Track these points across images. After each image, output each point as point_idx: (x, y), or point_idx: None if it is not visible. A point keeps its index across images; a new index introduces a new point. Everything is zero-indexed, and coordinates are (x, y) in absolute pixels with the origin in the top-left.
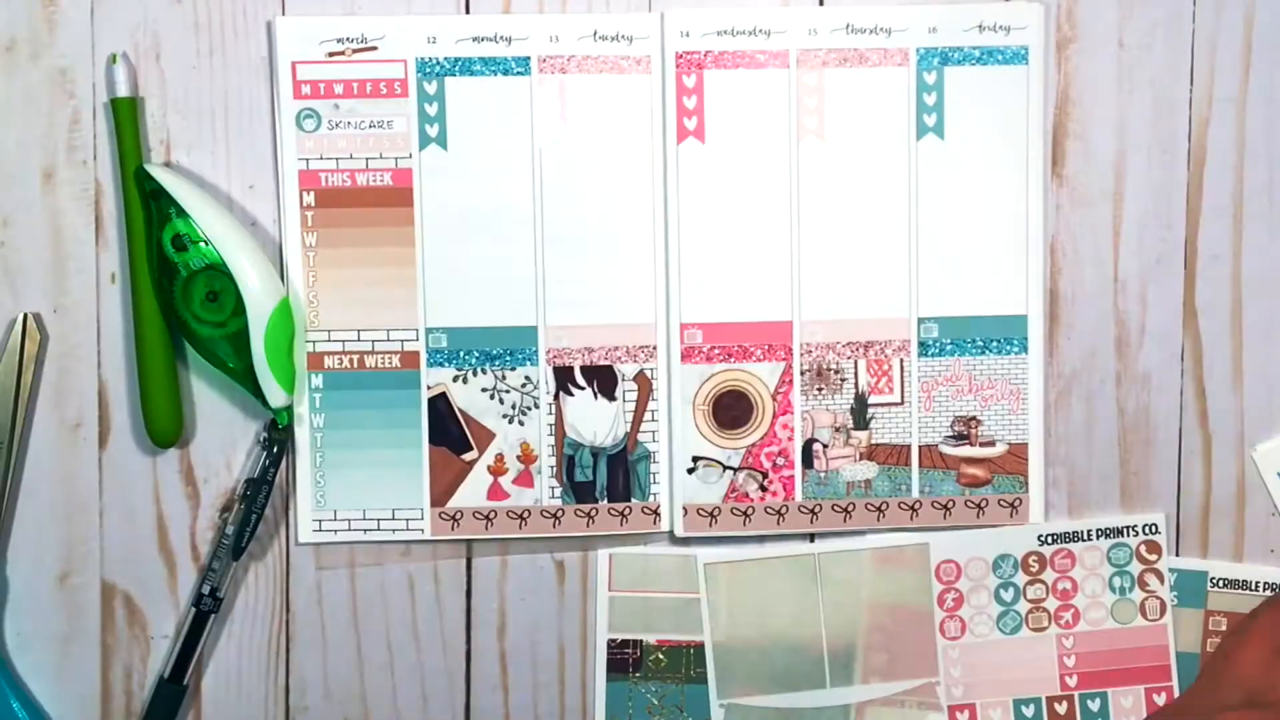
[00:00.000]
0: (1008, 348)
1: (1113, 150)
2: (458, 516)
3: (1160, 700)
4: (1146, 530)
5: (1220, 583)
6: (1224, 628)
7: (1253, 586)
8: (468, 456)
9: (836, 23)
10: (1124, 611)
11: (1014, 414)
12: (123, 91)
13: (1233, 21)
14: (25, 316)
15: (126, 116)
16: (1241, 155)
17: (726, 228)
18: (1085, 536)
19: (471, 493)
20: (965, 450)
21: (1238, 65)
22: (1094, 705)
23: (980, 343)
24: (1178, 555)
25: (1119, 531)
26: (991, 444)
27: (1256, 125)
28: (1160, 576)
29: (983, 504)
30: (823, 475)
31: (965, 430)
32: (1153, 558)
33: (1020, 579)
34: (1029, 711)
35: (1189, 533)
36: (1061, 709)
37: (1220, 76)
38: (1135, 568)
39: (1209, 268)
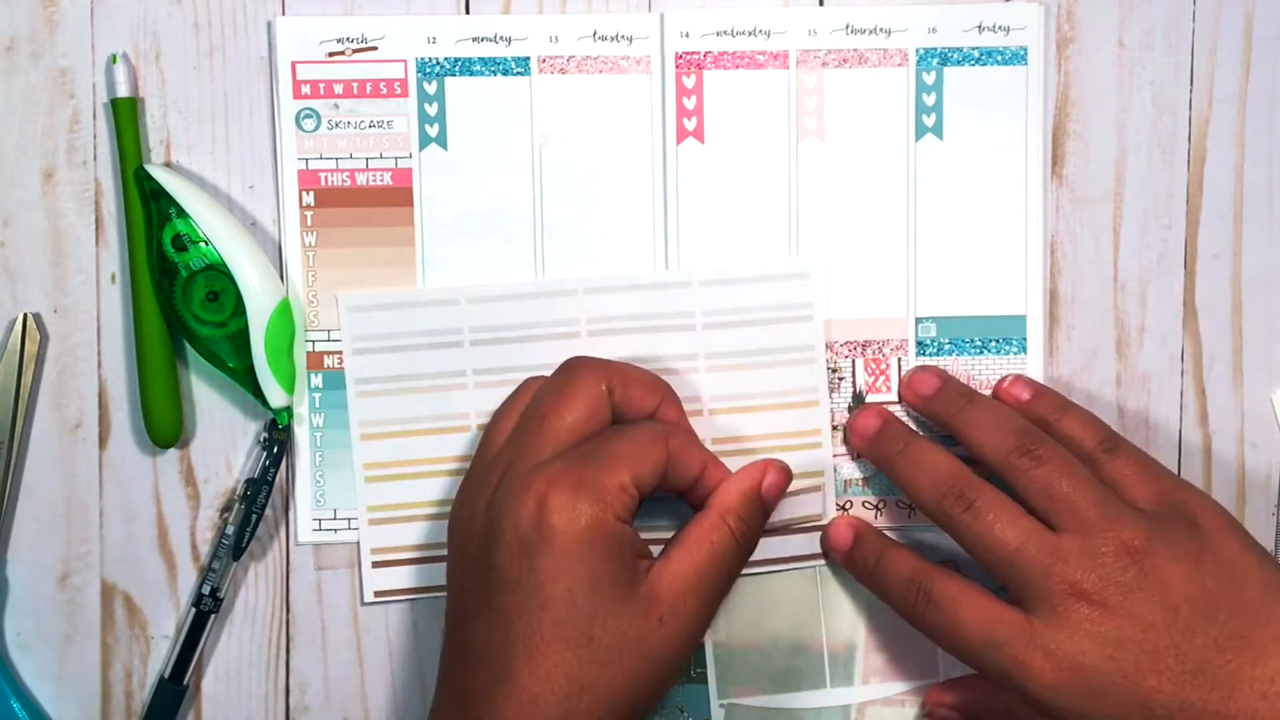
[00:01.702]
0: (1006, 348)
1: (1113, 150)
2: None
3: None
4: None
5: None
6: None
7: None
8: None
9: (836, 23)
10: None
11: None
12: (123, 91)
13: (1233, 21)
14: (25, 316)
15: (126, 116)
16: (1241, 155)
17: (726, 228)
18: None
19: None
20: (963, 449)
21: (1238, 65)
22: None
23: (979, 343)
24: None
25: None
26: None
27: (1256, 125)
28: None
29: None
30: None
31: None
32: None
33: None
34: None
35: None
36: None
37: (1220, 76)
38: None
39: (1209, 268)
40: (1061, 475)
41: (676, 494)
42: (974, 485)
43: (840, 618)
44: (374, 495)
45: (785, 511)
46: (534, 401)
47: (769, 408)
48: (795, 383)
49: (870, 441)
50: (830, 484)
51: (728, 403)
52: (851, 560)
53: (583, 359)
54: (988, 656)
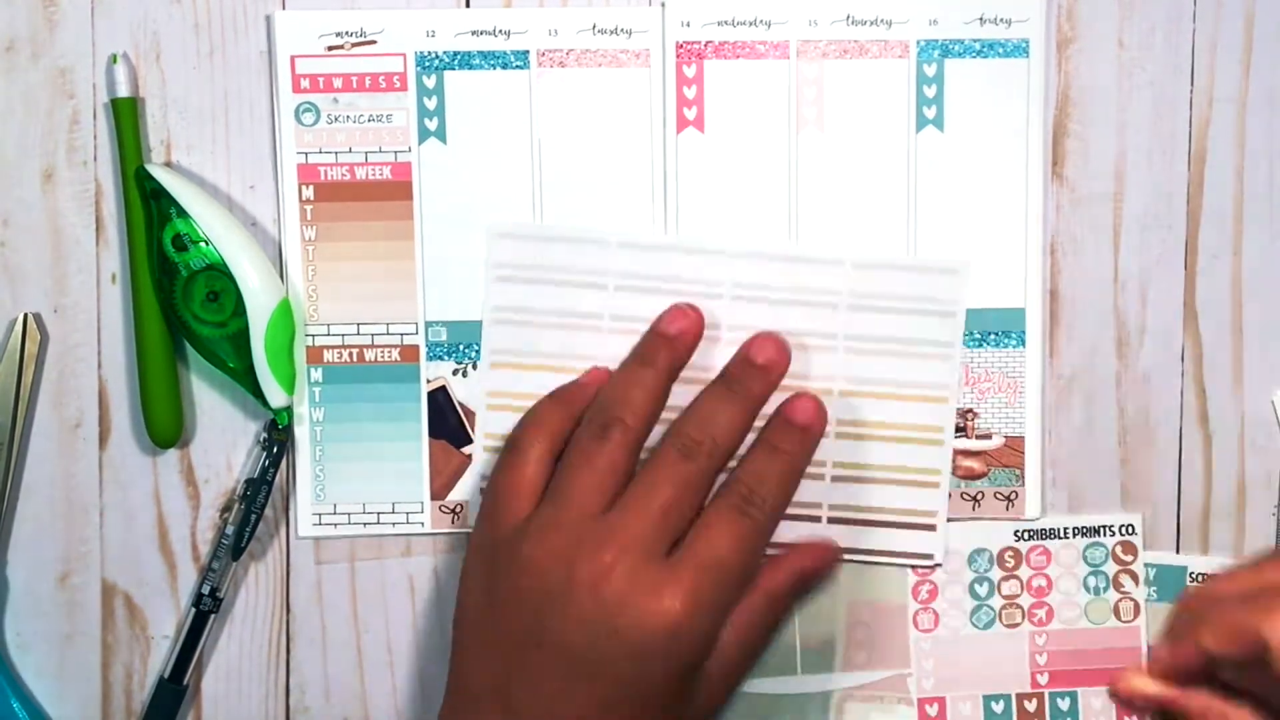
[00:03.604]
0: (1005, 341)
1: (1113, 150)
2: (457, 510)
3: None
4: (1123, 530)
5: (1200, 577)
6: None
7: None
8: (467, 450)
9: (837, 14)
10: (1098, 611)
11: (1011, 407)
12: (123, 91)
13: (1233, 21)
14: (25, 316)
15: (126, 116)
16: (1241, 155)
17: (725, 218)
18: (1062, 534)
19: (471, 486)
20: (962, 442)
21: (1238, 65)
22: (1064, 704)
23: (978, 335)
24: (1177, 553)
25: (1095, 531)
26: (988, 437)
27: (1256, 125)
28: (1135, 578)
29: (979, 496)
30: None
31: (962, 423)
32: (1128, 558)
33: (995, 574)
34: (998, 708)
35: (1189, 533)
36: (1031, 706)
37: (1220, 76)
38: (1111, 568)
39: (1209, 268)
40: None
41: None
42: None
43: (814, 607)
44: (493, 424)
45: (893, 543)
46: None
47: (898, 397)
48: (928, 376)
49: None
50: (944, 511)
51: (859, 386)
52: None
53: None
54: None
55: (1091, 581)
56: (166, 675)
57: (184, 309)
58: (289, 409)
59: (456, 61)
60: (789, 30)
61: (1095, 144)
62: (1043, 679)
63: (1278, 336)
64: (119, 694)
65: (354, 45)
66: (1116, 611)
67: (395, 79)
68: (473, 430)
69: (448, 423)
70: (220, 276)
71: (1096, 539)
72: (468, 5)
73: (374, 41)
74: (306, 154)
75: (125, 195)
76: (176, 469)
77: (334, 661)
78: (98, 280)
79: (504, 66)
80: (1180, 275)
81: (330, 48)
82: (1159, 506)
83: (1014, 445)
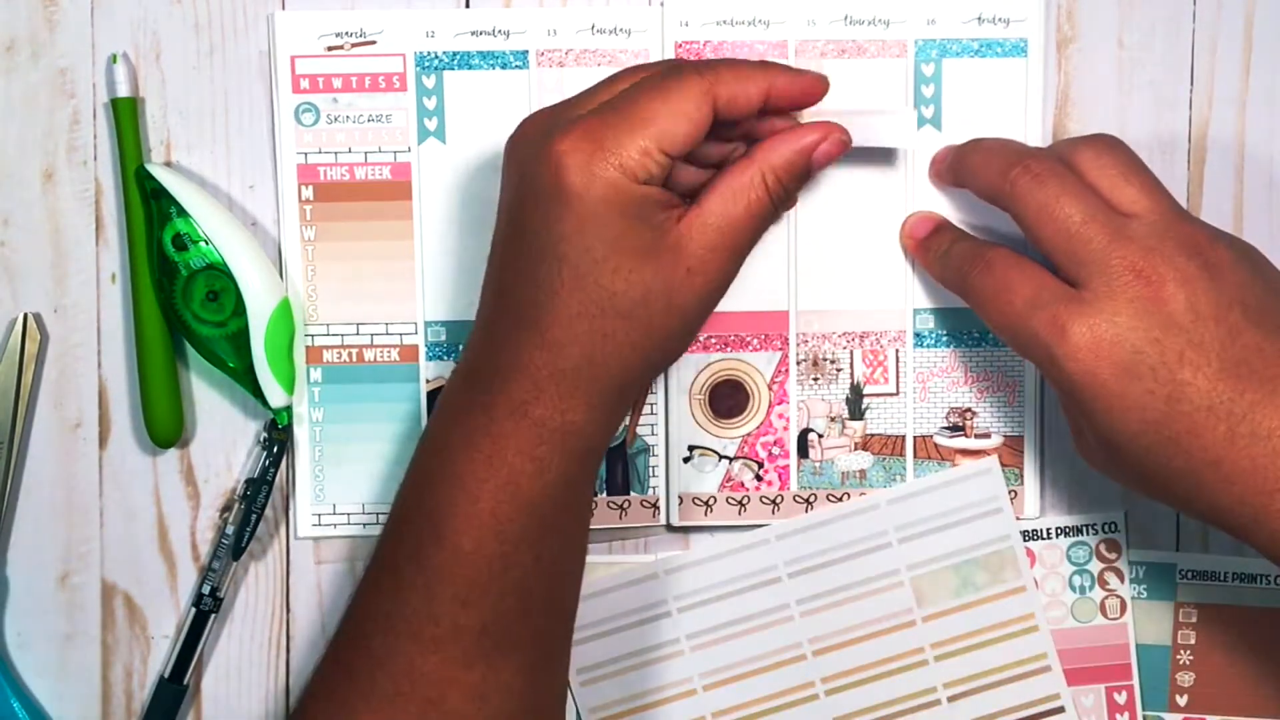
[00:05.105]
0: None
1: None
2: None
3: (1121, 699)
4: (1106, 529)
5: (1189, 574)
6: (1194, 619)
7: (1221, 577)
8: None
9: (835, 14)
10: (1084, 610)
11: (1009, 406)
12: (123, 91)
13: (1233, 21)
14: (25, 316)
15: (126, 116)
16: (1241, 155)
17: None
18: (1044, 535)
19: None
20: (960, 442)
21: (1238, 65)
22: None
23: (976, 335)
24: (1177, 551)
25: (1078, 530)
26: (987, 436)
27: (1256, 125)
28: (1120, 575)
29: None
30: (817, 465)
31: (960, 422)
32: (1112, 556)
33: None
34: None
35: (1189, 531)
36: None
37: (1220, 76)
38: (1095, 566)
39: None
40: (1137, 169)
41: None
42: (1042, 160)
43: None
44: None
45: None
46: (633, 90)
47: (981, 601)
48: (1001, 576)
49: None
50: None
51: (939, 607)
52: (926, 246)
53: (686, 66)
54: (1026, 320)
55: (1077, 580)
56: (166, 675)
57: (184, 309)
58: (289, 409)
59: (456, 62)
60: (787, 30)
61: None
62: None
63: None
64: (119, 694)
65: (354, 45)
66: (1103, 609)
67: (395, 79)
68: None
69: None
70: (220, 276)
71: (1080, 538)
72: (467, 5)
73: (374, 42)
74: (306, 154)
75: (125, 195)
76: (176, 469)
77: None
78: (98, 280)
79: (503, 67)
80: None
81: (330, 48)
82: (1159, 506)
83: (1013, 445)
